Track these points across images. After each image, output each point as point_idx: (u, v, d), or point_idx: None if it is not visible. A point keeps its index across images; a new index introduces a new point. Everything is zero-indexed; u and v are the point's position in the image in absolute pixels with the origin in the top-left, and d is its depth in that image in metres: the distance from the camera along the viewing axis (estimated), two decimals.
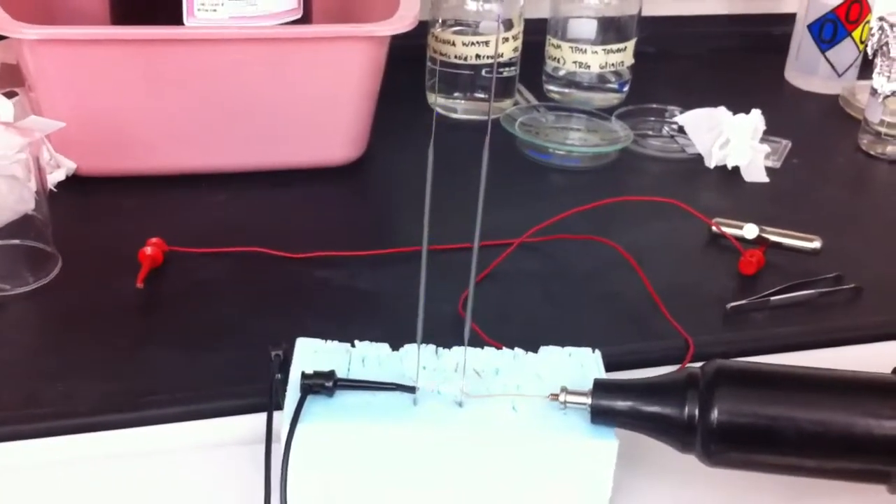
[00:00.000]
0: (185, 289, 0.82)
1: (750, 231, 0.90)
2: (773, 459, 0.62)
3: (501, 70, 1.11)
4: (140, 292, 0.80)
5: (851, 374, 0.63)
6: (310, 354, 0.66)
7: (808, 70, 1.24)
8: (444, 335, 0.68)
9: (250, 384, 0.68)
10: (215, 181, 0.95)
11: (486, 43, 1.08)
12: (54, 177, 0.91)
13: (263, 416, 0.65)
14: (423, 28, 1.05)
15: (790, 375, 0.63)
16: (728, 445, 0.61)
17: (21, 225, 0.82)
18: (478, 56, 1.08)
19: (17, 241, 0.82)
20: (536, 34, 1.15)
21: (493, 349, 0.68)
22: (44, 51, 0.88)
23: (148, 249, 0.82)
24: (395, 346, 0.68)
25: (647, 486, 0.67)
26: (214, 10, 0.91)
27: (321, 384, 0.62)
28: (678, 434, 0.62)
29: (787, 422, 0.61)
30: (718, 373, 0.62)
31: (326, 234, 0.90)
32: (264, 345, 0.67)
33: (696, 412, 0.61)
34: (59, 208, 0.85)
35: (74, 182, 0.92)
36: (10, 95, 0.95)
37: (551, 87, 1.17)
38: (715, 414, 0.61)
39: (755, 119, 1.04)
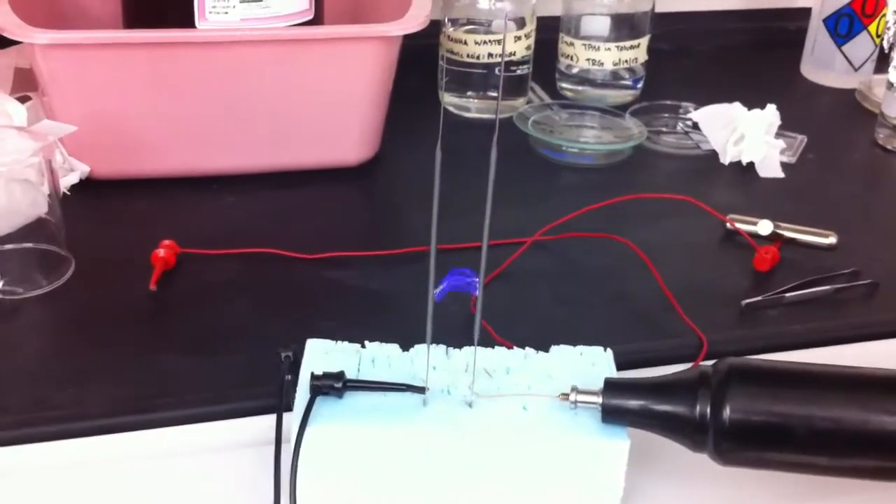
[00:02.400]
0: (197, 290, 0.82)
1: (764, 227, 0.90)
2: (786, 458, 0.61)
3: (514, 68, 1.10)
4: (152, 294, 0.80)
5: (864, 371, 0.63)
6: (320, 355, 0.66)
7: (823, 65, 1.23)
8: (456, 335, 0.68)
9: (261, 386, 0.69)
10: (227, 183, 0.95)
11: (499, 41, 1.08)
12: (67, 180, 0.91)
13: (274, 417, 0.65)
14: (435, 27, 1.05)
15: (802, 373, 0.63)
16: (740, 444, 0.61)
17: (34, 228, 0.82)
18: (490, 55, 1.08)
19: (30, 245, 0.83)
20: (549, 32, 1.15)
21: (503, 349, 0.68)
22: (56, 55, 0.88)
23: (161, 251, 0.83)
24: (407, 347, 0.68)
25: (659, 486, 0.66)
26: (226, 13, 0.91)
27: (331, 385, 0.62)
28: (690, 433, 0.62)
29: (799, 419, 0.60)
30: (730, 371, 0.62)
31: (338, 235, 0.90)
32: (276, 346, 0.67)
33: (708, 411, 0.61)
34: (72, 211, 0.85)
35: (87, 185, 0.93)
36: (23, 100, 0.96)
37: (565, 85, 1.17)
38: (727, 412, 0.60)
39: (770, 114, 1.04)
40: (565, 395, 0.62)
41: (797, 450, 0.61)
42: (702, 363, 0.64)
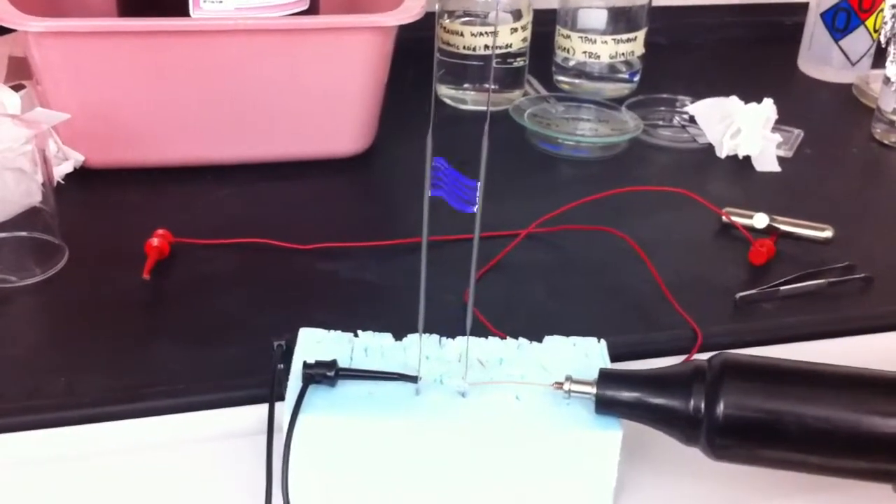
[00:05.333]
0: (191, 280, 0.82)
1: (760, 221, 0.90)
2: (778, 455, 0.61)
3: (511, 60, 1.10)
4: (146, 284, 0.80)
5: (859, 371, 0.62)
6: (312, 344, 0.66)
7: (821, 59, 1.23)
8: (449, 325, 0.68)
9: (254, 375, 0.68)
10: (222, 173, 0.95)
11: (495, 33, 1.07)
12: (61, 169, 0.91)
13: (266, 406, 0.65)
14: (430, 19, 1.05)
15: (797, 371, 0.62)
16: (733, 439, 0.61)
17: (28, 217, 0.82)
18: (486, 46, 1.08)
19: (24, 233, 0.83)
20: (546, 25, 1.14)
21: (497, 339, 0.68)
22: (50, 43, 0.88)
23: (154, 241, 0.82)
24: (400, 337, 0.68)
25: (650, 479, 0.66)
26: (220, 2, 0.91)
27: (323, 374, 0.62)
28: (683, 427, 0.61)
29: (792, 417, 0.60)
30: (725, 366, 0.61)
31: (333, 226, 0.90)
32: (269, 336, 0.67)
33: (702, 405, 0.60)
34: (67, 200, 0.85)
35: (82, 174, 0.92)
36: (17, 88, 0.96)
37: (561, 78, 1.16)
38: (721, 408, 0.60)
39: (767, 108, 1.04)
40: (559, 385, 0.62)
41: (789, 448, 0.60)
42: (697, 357, 0.64)
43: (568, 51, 1.14)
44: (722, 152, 1.04)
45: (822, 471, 0.61)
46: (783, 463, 0.62)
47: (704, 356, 0.69)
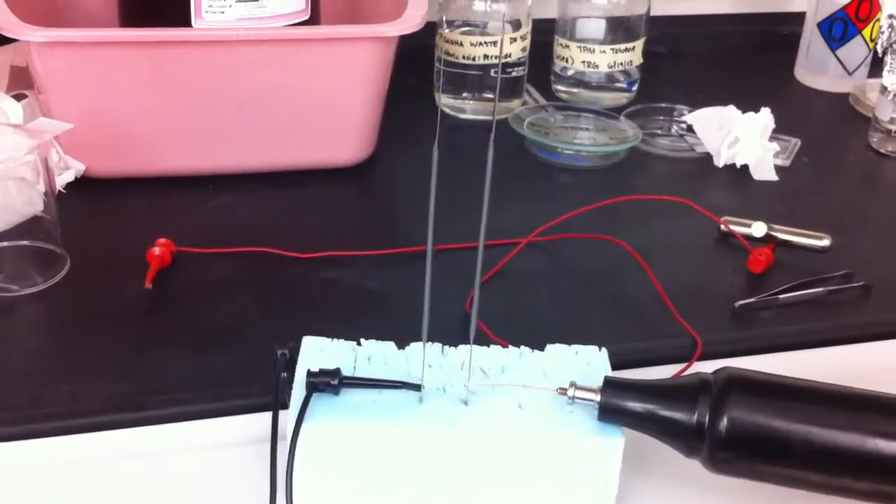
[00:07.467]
0: (192, 289, 0.82)
1: (758, 229, 0.90)
2: (779, 471, 0.61)
3: (510, 70, 1.11)
4: (148, 293, 0.80)
5: (863, 392, 0.62)
6: (316, 353, 0.66)
7: (817, 68, 1.24)
8: (451, 334, 0.68)
9: (257, 383, 0.69)
10: (223, 182, 0.95)
11: (495, 43, 1.08)
12: (63, 178, 0.91)
13: (269, 415, 0.65)
14: (431, 29, 1.05)
15: (801, 388, 0.62)
16: (735, 454, 0.61)
17: (30, 226, 0.82)
18: (486, 56, 1.08)
19: (25, 242, 0.83)
20: (545, 34, 1.15)
21: (499, 347, 0.68)
22: (52, 53, 0.88)
23: (156, 250, 0.83)
24: (403, 345, 0.68)
25: (651, 488, 0.66)
26: (222, 12, 0.91)
27: (327, 382, 0.62)
28: (685, 438, 0.61)
29: (795, 435, 0.60)
30: (731, 381, 0.62)
31: (334, 235, 0.90)
32: (271, 344, 0.67)
33: (706, 419, 0.61)
34: (68, 209, 0.85)
35: (83, 183, 0.93)
36: (19, 98, 0.96)
37: (560, 87, 1.17)
38: (724, 422, 0.60)
39: (765, 117, 1.04)
40: (563, 390, 0.62)
41: (790, 465, 0.61)
42: (703, 371, 0.64)
43: (566, 60, 1.14)
44: (720, 161, 1.04)
45: (821, 489, 0.62)
46: (783, 479, 0.62)
47: (704, 364, 0.70)
